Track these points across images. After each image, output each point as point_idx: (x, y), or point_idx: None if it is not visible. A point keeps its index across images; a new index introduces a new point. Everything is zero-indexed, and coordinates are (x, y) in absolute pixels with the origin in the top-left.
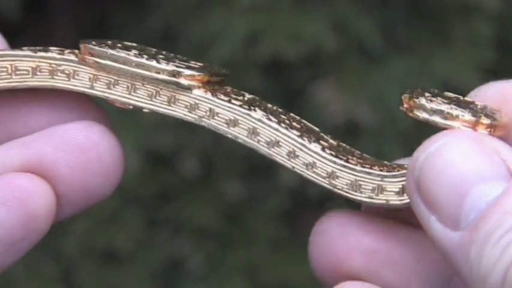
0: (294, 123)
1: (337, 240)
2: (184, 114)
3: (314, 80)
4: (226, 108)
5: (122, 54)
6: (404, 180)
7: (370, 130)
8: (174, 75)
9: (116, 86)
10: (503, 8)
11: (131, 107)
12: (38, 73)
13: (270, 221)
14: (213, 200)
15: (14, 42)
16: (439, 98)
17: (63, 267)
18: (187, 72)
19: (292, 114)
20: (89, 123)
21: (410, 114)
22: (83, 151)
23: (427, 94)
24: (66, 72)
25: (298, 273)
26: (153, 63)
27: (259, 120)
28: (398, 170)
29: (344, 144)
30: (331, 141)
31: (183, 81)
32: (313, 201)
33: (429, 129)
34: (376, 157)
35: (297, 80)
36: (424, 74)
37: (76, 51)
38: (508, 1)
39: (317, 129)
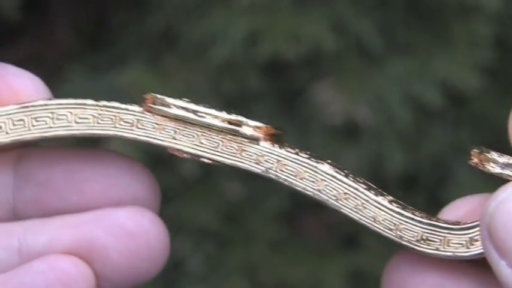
0: (357, 178)
1: (407, 274)
2: (251, 166)
3: (313, 80)
4: (295, 160)
5: (191, 104)
6: (471, 233)
7: (370, 130)
8: (240, 126)
9: (181, 136)
10: (502, 8)
11: (196, 158)
12: (100, 121)
13: (269, 221)
14: (213, 200)
15: (14, 42)
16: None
17: None
18: (254, 123)
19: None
20: (141, 210)
21: (481, 168)
22: (133, 238)
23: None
24: (129, 121)
25: (298, 273)
26: (223, 113)
27: (328, 173)
28: (464, 224)
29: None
30: (390, 196)
31: (251, 132)
32: (313, 202)
33: (428, 130)
34: (376, 157)
35: (296, 80)
36: (424, 74)
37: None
38: (507, 1)
39: (374, 186)
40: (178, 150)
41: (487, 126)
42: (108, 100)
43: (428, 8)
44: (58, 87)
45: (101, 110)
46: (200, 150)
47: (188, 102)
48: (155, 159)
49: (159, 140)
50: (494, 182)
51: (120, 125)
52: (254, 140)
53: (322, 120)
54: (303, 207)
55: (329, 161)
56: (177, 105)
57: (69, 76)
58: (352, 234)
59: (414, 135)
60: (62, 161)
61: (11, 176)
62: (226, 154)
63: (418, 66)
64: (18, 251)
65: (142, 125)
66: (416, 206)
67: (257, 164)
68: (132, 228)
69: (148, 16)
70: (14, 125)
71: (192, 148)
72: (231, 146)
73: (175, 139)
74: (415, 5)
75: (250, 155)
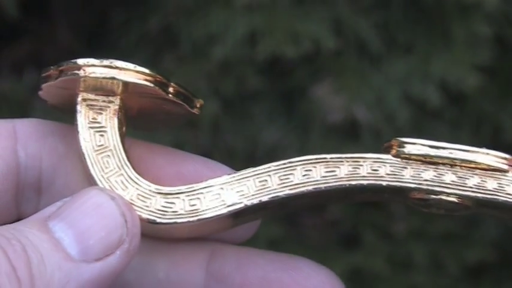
0: None
1: None
2: (508, 198)
3: (313, 79)
4: None
5: (438, 142)
6: None
7: (369, 129)
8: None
9: (432, 177)
10: (501, 7)
11: (447, 196)
12: (348, 173)
13: (269, 220)
14: None
15: (14, 42)
16: None
17: None
18: (502, 154)
19: None
20: None
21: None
22: None
23: None
24: (378, 169)
25: None
26: (472, 148)
27: None
28: None
29: None
30: None
31: (501, 164)
32: None
33: (427, 129)
34: None
35: (296, 79)
36: (423, 73)
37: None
38: (506, 0)
39: None
40: (427, 190)
41: (487, 126)
42: None
43: (427, 8)
44: None
45: (363, 160)
46: (453, 189)
47: (433, 141)
48: None
49: (410, 183)
50: None
51: (369, 173)
52: (504, 171)
53: (321, 119)
54: None
55: None
56: (424, 145)
57: None
58: (352, 233)
59: (413, 134)
60: (258, 264)
61: (202, 274)
62: (479, 188)
63: (417, 65)
64: None
65: (392, 171)
66: None
67: (509, 194)
68: None
69: (148, 16)
70: (256, 186)
71: (445, 187)
72: (483, 180)
73: (427, 180)
74: (415, 4)
75: (502, 186)
